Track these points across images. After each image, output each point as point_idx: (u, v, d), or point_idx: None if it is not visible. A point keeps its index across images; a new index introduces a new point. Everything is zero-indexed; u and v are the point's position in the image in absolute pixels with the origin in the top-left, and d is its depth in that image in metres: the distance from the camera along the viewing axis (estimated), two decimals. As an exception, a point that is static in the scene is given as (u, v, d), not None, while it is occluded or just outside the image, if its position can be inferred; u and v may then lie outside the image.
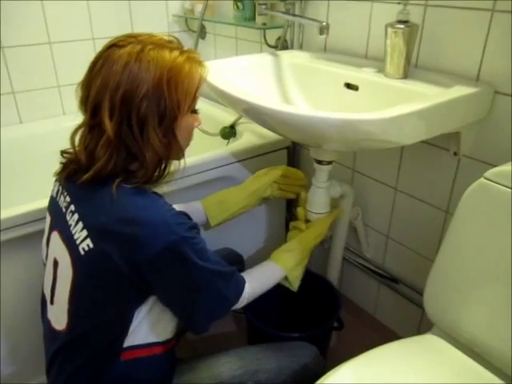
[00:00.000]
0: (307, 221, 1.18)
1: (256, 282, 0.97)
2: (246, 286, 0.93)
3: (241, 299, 0.91)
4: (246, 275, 0.95)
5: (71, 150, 0.82)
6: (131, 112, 0.75)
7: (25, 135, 1.65)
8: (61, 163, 0.87)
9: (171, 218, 0.77)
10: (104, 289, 0.79)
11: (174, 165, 0.88)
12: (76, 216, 0.81)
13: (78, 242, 0.79)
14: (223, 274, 0.86)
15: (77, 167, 0.81)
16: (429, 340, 0.97)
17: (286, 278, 1.05)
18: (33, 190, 1.40)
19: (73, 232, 0.81)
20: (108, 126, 0.74)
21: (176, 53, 0.78)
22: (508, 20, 0.93)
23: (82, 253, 0.78)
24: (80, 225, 0.80)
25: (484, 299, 0.88)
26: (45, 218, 0.94)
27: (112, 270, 0.76)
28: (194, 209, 1.16)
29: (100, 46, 1.70)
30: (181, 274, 0.80)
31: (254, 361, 0.96)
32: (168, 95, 0.76)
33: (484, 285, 0.88)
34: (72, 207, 0.83)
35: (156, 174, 0.83)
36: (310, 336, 1.13)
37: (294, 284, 1.07)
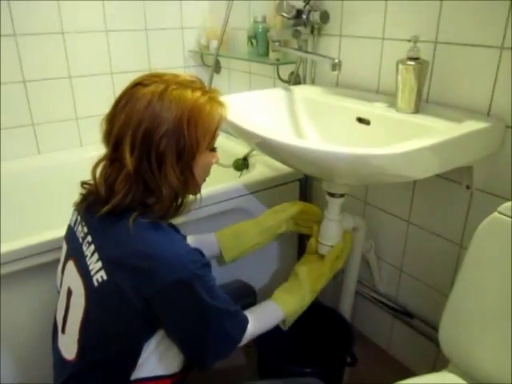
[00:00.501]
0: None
1: (258, 322, 0.97)
2: (249, 325, 0.93)
3: (243, 338, 0.91)
4: (249, 314, 0.95)
5: (92, 182, 0.84)
6: (151, 149, 0.77)
7: (43, 166, 1.69)
8: (80, 194, 0.89)
9: (186, 255, 0.78)
10: (115, 321, 0.80)
11: (191, 198, 0.90)
12: (92, 247, 0.82)
13: (92, 272, 0.80)
14: (230, 312, 0.87)
15: (96, 199, 0.83)
16: (445, 377, 0.94)
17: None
18: (49, 220, 1.42)
19: (88, 263, 0.82)
20: (128, 160, 0.77)
21: (198, 93, 0.81)
22: (517, 56, 0.94)
23: (96, 284, 0.79)
24: (96, 256, 0.81)
25: (500, 336, 0.86)
26: (59, 247, 0.96)
27: (124, 302, 0.77)
28: (209, 241, 1.16)
29: (118, 80, 1.77)
30: (190, 310, 0.80)
31: None
32: (188, 134, 0.78)
33: (500, 321, 0.86)
34: (89, 238, 0.84)
35: (172, 208, 0.84)
36: (322, 371, 1.12)
37: (286, 326, 1.07)
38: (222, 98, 0.87)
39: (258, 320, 0.98)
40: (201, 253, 0.83)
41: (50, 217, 1.45)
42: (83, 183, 0.88)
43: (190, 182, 0.84)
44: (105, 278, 0.78)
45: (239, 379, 1.01)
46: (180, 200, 0.86)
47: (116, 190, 0.79)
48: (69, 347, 0.85)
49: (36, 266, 1.11)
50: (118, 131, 0.78)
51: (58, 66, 1.68)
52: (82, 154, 1.68)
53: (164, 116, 0.77)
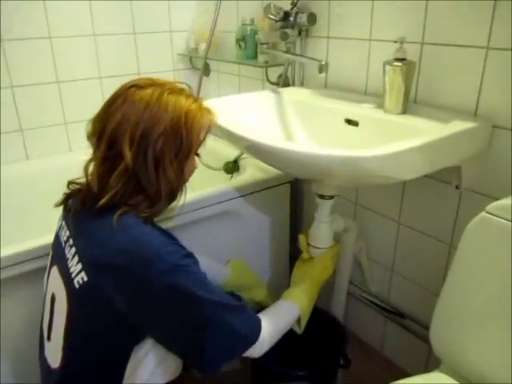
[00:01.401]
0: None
1: (276, 320, 0.94)
2: (264, 324, 0.89)
3: (260, 338, 0.88)
4: (261, 314, 0.92)
5: (78, 181, 0.86)
6: (148, 147, 0.80)
7: (31, 171, 1.68)
8: (64, 193, 0.89)
9: (163, 247, 0.77)
10: (97, 324, 0.78)
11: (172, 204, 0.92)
12: (73, 249, 0.82)
13: (73, 275, 0.80)
14: (233, 307, 0.83)
15: (82, 198, 0.84)
16: (437, 378, 0.95)
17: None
18: (38, 226, 1.41)
19: (69, 266, 0.82)
20: (128, 155, 0.79)
21: (190, 100, 0.85)
22: (503, 56, 0.95)
23: (77, 286, 0.79)
24: (76, 258, 0.81)
25: (490, 335, 0.86)
26: (47, 254, 0.95)
27: (105, 304, 0.76)
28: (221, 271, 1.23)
29: (107, 84, 1.76)
30: (178, 307, 0.77)
31: None
32: (185, 134, 0.82)
33: (489, 320, 0.86)
34: (71, 241, 0.84)
35: (160, 206, 0.85)
36: (316, 374, 1.11)
37: (302, 326, 1.05)
38: (210, 105, 0.91)
39: (274, 317, 0.95)
40: (181, 245, 0.82)
41: (39, 224, 1.44)
42: (70, 182, 0.88)
43: (181, 181, 0.87)
44: (85, 279, 0.78)
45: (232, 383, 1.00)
46: (172, 198, 0.87)
47: (109, 186, 0.80)
48: (54, 354, 0.84)
49: (22, 274, 1.10)
50: (113, 129, 0.80)
51: (46, 71, 1.68)
52: (72, 159, 1.66)
53: (162, 116, 0.80)
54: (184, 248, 0.82)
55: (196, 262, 0.81)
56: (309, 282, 1.09)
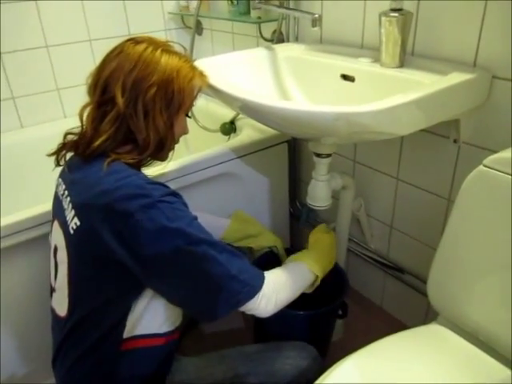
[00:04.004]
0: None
1: (283, 276, 0.91)
2: (269, 277, 0.86)
3: (264, 291, 0.83)
4: (267, 272, 0.88)
5: (75, 131, 0.88)
6: (139, 95, 0.82)
7: (26, 139, 1.67)
8: (59, 144, 0.90)
9: (147, 185, 0.78)
10: (95, 268, 0.80)
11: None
12: (68, 199, 0.84)
13: (68, 222, 0.82)
14: (227, 250, 0.80)
15: (77, 141, 0.86)
16: (433, 330, 0.97)
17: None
18: (35, 193, 1.41)
19: (66, 214, 0.83)
20: (119, 100, 0.81)
21: (183, 59, 0.88)
22: (502, 5, 0.91)
23: (72, 232, 0.81)
24: (70, 206, 0.83)
25: (486, 287, 0.87)
26: (47, 221, 0.96)
27: (99, 246, 0.76)
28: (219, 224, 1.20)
29: (97, 47, 1.72)
30: (165, 246, 0.75)
31: (248, 363, 0.95)
32: (177, 88, 0.84)
33: (486, 272, 0.87)
34: (66, 192, 0.86)
35: (146, 154, 0.87)
36: (313, 317, 1.13)
37: (315, 285, 1.00)
38: (203, 64, 0.94)
39: (282, 274, 0.91)
40: (167, 187, 0.81)
41: (36, 191, 1.44)
42: (67, 133, 0.89)
43: (170, 135, 0.88)
44: (78, 223, 0.79)
45: (236, 342, 1.01)
46: (160, 148, 0.88)
47: (102, 130, 0.82)
48: (61, 303, 0.87)
49: (22, 242, 1.10)
50: (108, 75, 0.83)
51: (34, 36, 1.63)
52: (67, 126, 1.64)
53: (155, 68, 0.82)
54: (170, 188, 0.81)
55: (183, 203, 0.80)
56: (320, 248, 1.08)
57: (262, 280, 0.84)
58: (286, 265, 0.98)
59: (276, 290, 0.86)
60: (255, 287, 0.82)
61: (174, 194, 0.80)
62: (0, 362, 1.18)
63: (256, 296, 0.82)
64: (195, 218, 0.80)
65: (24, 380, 1.25)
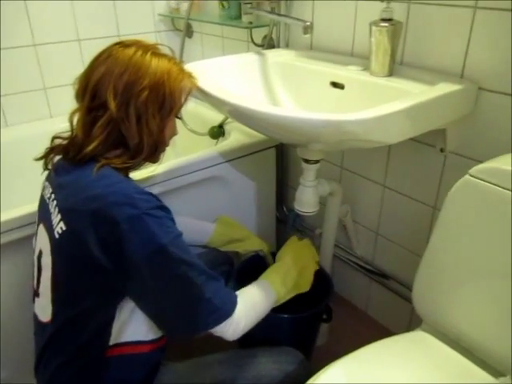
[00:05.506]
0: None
1: (251, 301, 0.90)
2: (240, 299, 0.86)
3: (235, 315, 0.83)
4: (238, 295, 0.88)
5: (64, 135, 0.87)
6: (130, 100, 0.81)
7: (11, 139, 1.64)
8: (47, 148, 0.89)
9: (137, 194, 0.77)
10: (79, 273, 0.79)
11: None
12: (54, 203, 0.83)
13: (54, 226, 0.81)
14: (206, 272, 0.80)
15: (67, 146, 0.85)
16: (417, 336, 0.98)
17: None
18: (20, 194, 1.39)
19: (52, 219, 0.82)
20: (112, 104, 0.80)
21: (172, 61, 0.88)
22: (490, 17, 0.93)
23: (57, 236, 0.80)
24: (56, 210, 0.81)
25: (470, 294, 0.89)
26: (31, 223, 0.94)
27: (84, 251, 0.75)
28: (204, 228, 1.20)
29: (86, 47, 1.70)
30: (145, 259, 0.75)
31: (234, 368, 0.94)
32: (168, 90, 0.84)
33: (470, 280, 0.88)
34: (53, 196, 0.85)
35: (138, 159, 0.86)
36: (298, 320, 1.13)
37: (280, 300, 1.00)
38: (192, 67, 0.93)
39: (250, 299, 0.90)
40: (158, 199, 0.81)
41: (20, 192, 1.42)
42: (55, 137, 0.89)
43: (162, 138, 0.88)
44: (64, 228, 0.78)
45: (224, 348, 0.99)
46: (153, 152, 0.89)
47: (93, 135, 0.81)
48: (44, 309, 0.85)
49: (7, 243, 1.08)
50: (97, 81, 0.81)
51: (21, 33, 1.60)
52: (53, 126, 1.62)
53: (145, 71, 0.82)
54: (160, 201, 0.81)
55: (170, 218, 0.80)
56: (291, 256, 1.07)
57: (233, 306, 0.85)
58: (257, 286, 0.96)
59: (245, 315, 0.87)
60: (227, 311, 0.83)
61: (162, 207, 0.79)
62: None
63: (225, 322, 0.82)
64: (180, 235, 0.79)
65: (11, 379, 1.22)
